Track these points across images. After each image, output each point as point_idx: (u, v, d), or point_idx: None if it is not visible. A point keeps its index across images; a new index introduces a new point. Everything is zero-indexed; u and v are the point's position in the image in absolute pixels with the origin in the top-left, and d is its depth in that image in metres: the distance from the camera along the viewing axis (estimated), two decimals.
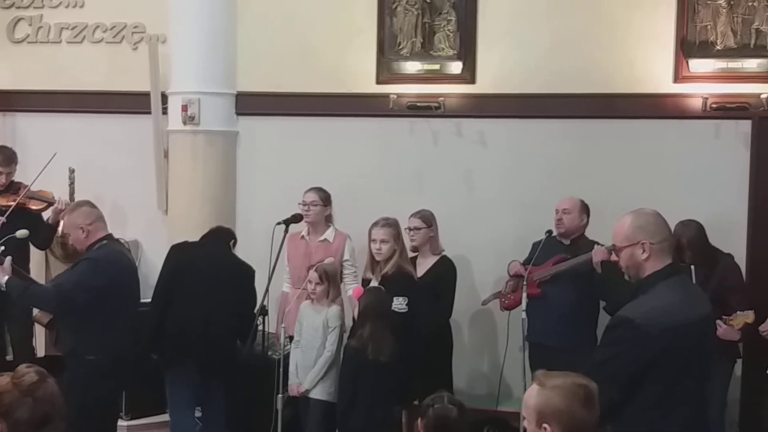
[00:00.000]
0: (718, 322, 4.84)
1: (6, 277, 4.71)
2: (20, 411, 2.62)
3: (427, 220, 5.72)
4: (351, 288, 5.77)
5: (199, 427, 5.61)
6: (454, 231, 5.85)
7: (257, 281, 5.51)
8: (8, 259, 4.74)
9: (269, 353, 5.78)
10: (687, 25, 6.02)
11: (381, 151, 6.65)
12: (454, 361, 5.80)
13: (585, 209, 5.69)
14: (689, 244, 5.27)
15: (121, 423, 5.81)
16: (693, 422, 3.26)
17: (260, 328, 5.54)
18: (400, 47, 6.46)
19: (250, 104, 6.81)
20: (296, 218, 5.66)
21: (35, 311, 5.56)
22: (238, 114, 6.86)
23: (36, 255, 6.42)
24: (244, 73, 6.81)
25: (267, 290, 5.28)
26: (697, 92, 6.03)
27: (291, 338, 5.53)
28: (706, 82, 6.05)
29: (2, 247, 4.77)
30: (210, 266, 5.45)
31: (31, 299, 5.02)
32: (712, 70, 6.04)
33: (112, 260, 4.83)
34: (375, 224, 5.49)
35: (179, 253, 5.57)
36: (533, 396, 2.70)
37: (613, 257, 3.46)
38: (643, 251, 3.26)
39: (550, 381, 2.71)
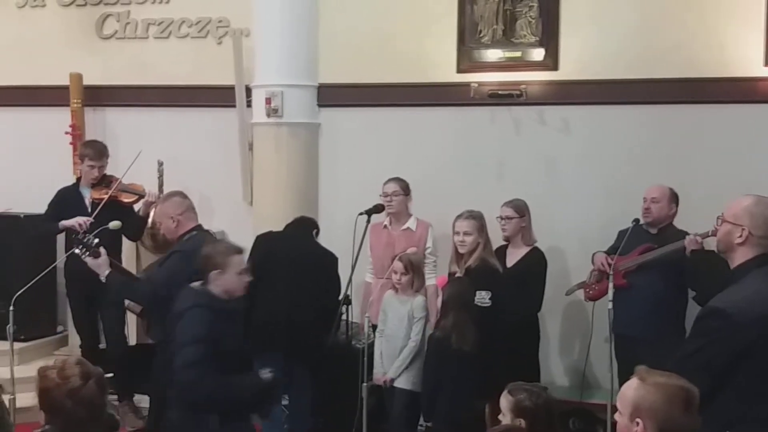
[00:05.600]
0: None
1: (107, 271, 4.87)
2: (60, 409, 2.95)
3: (520, 210, 5.64)
4: (430, 279, 5.75)
5: (286, 414, 5.71)
6: (537, 220, 5.78)
7: (340, 271, 5.56)
8: (104, 252, 4.89)
9: (353, 342, 5.84)
10: None
11: (462, 141, 6.63)
12: (539, 352, 5.75)
13: (674, 198, 5.53)
14: None
15: None
16: None
17: (344, 317, 5.60)
18: (481, 35, 6.42)
19: (332, 96, 6.86)
20: (378, 208, 5.70)
21: (127, 301, 5.74)
22: (319, 106, 6.92)
23: (127, 246, 6.62)
24: (326, 65, 6.86)
25: (350, 280, 5.33)
26: None
27: (374, 327, 5.56)
28: None
29: (97, 239, 4.91)
30: (294, 255, 5.53)
31: (128, 294, 5.21)
32: None
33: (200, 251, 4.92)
34: (459, 216, 5.44)
35: (264, 243, 5.66)
36: (632, 389, 2.67)
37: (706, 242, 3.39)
38: (740, 236, 3.22)
39: (651, 377, 2.67)
